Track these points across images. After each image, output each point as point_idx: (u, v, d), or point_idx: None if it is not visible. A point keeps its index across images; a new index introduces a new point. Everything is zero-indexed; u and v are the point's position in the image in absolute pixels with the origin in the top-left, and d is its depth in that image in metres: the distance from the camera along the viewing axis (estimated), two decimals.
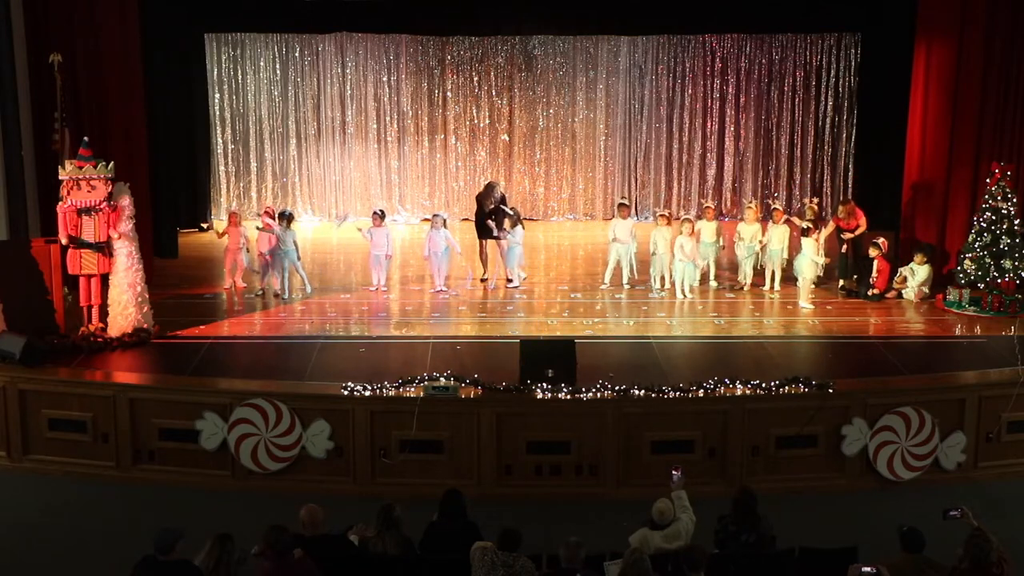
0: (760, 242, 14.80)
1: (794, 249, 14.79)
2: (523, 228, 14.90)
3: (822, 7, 17.06)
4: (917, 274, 14.44)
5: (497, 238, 14.95)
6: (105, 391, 10.97)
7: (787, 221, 15.13)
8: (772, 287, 14.82)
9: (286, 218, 14.45)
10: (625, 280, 14.96)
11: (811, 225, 14.47)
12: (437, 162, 19.65)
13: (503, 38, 19.03)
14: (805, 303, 14.15)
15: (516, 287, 14.82)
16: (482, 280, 15.22)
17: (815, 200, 15.91)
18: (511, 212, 14.89)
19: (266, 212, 15.07)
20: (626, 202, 15.43)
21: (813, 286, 14.46)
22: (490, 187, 15.64)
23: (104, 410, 10.86)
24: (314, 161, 19.53)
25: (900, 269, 14.65)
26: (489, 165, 19.64)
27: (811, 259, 14.22)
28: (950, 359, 12.28)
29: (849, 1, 16.96)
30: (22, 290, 12.08)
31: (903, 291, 14.49)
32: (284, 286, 14.33)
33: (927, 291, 14.43)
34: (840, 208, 15.31)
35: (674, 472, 8.49)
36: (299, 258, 14.53)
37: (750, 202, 16.02)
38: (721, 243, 15.23)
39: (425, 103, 19.42)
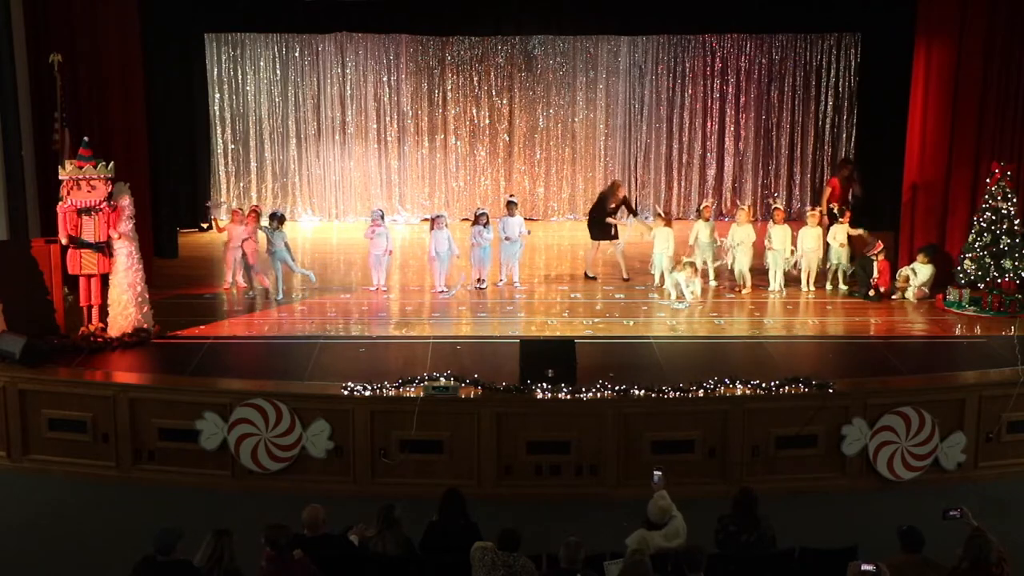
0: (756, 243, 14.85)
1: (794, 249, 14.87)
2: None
3: (822, 7, 17.04)
4: (920, 274, 14.41)
5: (615, 238, 15.25)
6: (105, 391, 10.96)
7: (789, 221, 15.18)
8: (775, 286, 14.81)
9: (277, 219, 14.42)
10: (503, 278, 15.05)
11: (838, 215, 15.00)
12: (437, 162, 19.63)
13: (503, 38, 19.01)
14: (843, 286, 14.82)
15: (484, 288, 14.87)
16: (590, 278, 15.44)
17: (818, 209, 15.88)
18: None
19: (253, 210, 15.03)
20: (515, 199, 15.51)
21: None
22: (615, 186, 15.80)
23: (104, 410, 10.86)
24: (314, 161, 19.52)
25: (901, 269, 14.64)
26: (489, 165, 19.64)
27: (838, 246, 14.71)
28: (950, 359, 12.27)
29: (849, 1, 16.95)
30: (22, 290, 12.08)
31: (905, 291, 14.45)
32: (278, 286, 14.30)
33: (927, 291, 14.41)
34: (843, 169, 15.52)
35: (655, 472, 8.49)
36: (293, 258, 14.47)
37: (742, 204, 16.06)
38: (718, 243, 15.23)
39: (425, 103, 19.41)
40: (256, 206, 15.52)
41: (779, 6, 17.02)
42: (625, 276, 15.35)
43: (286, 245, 14.33)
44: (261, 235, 14.44)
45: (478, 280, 14.93)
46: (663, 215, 15.36)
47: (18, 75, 13.55)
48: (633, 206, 15.96)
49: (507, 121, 19.54)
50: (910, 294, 14.39)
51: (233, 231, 14.75)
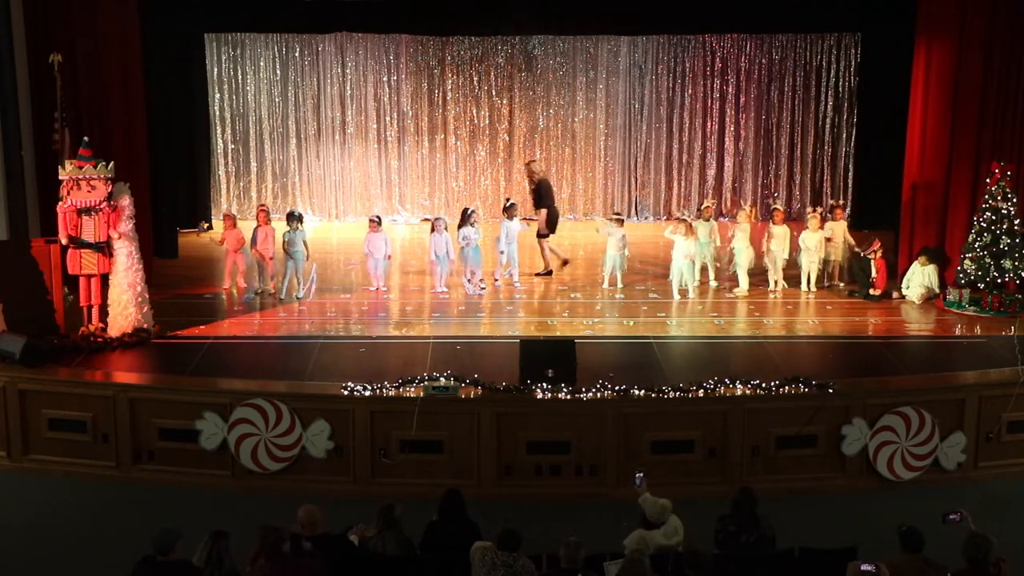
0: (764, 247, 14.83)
1: (795, 249, 14.82)
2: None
3: (822, 7, 17.04)
4: (930, 278, 14.28)
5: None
6: (105, 391, 10.97)
7: (788, 222, 15.16)
8: (775, 287, 14.80)
9: (296, 219, 14.41)
10: (505, 274, 15.10)
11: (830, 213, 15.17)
12: (437, 162, 19.63)
13: (503, 38, 19.01)
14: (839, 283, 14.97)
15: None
16: (546, 273, 15.65)
17: (819, 210, 15.82)
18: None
19: (261, 209, 14.94)
20: (513, 203, 15.52)
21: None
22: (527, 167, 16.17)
23: (104, 410, 10.86)
24: (314, 161, 19.51)
25: (909, 278, 14.47)
26: (489, 165, 19.64)
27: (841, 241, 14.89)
28: (950, 359, 12.28)
29: (849, 1, 16.95)
30: (22, 290, 12.08)
31: (908, 293, 14.37)
32: (283, 286, 14.31)
33: (918, 295, 14.35)
34: None
35: (638, 475, 8.47)
36: (303, 262, 14.44)
37: (744, 204, 16.05)
38: (718, 243, 15.21)
39: (425, 103, 19.41)
40: (263, 205, 15.41)
41: (779, 6, 17.00)
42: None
43: (305, 244, 14.33)
44: (278, 236, 14.44)
45: (469, 280, 14.84)
46: (617, 216, 15.37)
47: (18, 75, 13.55)
48: (542, 192, 15.85)
49: (507, 121, 19.54)
50: (912, 294, 14.28)
51: (229, 236, 14.75)
